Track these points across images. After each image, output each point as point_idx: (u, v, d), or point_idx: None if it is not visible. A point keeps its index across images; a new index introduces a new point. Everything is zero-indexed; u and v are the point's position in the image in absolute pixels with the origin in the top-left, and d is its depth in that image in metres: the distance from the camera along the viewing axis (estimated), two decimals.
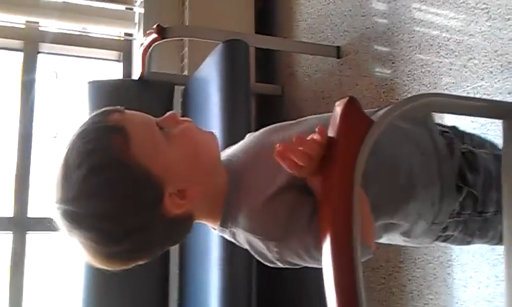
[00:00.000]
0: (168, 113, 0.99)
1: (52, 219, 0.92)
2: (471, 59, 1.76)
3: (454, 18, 1.84)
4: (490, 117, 1.14)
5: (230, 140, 2.11)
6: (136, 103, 2.73)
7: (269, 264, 1.00)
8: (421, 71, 1.97)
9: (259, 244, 0.98)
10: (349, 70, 2.38)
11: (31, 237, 2.70)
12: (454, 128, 1.22)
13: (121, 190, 0.89)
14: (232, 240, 1.04)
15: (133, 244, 0.92)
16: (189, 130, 0.99)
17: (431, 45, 1.93)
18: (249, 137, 1.12)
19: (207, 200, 0.98)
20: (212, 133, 1.03)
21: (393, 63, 2.11)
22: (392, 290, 2.03)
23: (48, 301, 2.87)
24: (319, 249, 0.87)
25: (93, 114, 0.95)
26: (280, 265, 0.99)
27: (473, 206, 1.14)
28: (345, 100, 0.88)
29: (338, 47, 2.46)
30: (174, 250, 2.50)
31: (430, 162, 1.10)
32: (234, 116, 2.20)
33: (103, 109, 0.94)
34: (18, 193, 2.72)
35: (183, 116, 2.53)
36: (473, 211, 1.14)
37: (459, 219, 1.14)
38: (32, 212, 2.72)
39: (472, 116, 1.40)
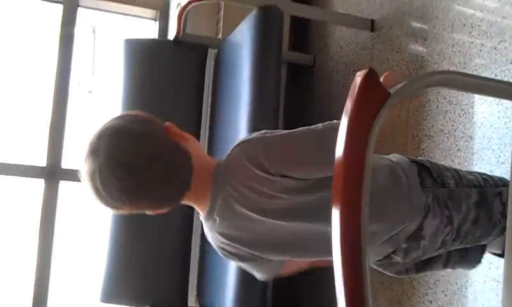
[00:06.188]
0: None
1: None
2: (502, 41, 1.76)
3: None
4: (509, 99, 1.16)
5: (259, 106, 2.16)
6: (169, 64, 2.82)
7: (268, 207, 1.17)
8: (452, 51, 1.97)
9: (253, 185, 1.16)
10: (381, 45, 2.39)
11: (64, 185, 2.80)
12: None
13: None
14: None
15: (154, 173, 1.15)
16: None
17: (464, 24, 1.93)
18: None
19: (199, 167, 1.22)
20: None
21: (425, 40, 2.11)
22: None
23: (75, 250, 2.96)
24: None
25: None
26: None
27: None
28: (365, 71, 0.92)
29: (372, 20, 2.46)
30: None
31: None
32: (264, 83, 2.23)
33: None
34: (52, 144, 2.82)
35: (215, 79, 2.40)
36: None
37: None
38: (66, 163, 2.81)
39: (488, 95, 1.41)
